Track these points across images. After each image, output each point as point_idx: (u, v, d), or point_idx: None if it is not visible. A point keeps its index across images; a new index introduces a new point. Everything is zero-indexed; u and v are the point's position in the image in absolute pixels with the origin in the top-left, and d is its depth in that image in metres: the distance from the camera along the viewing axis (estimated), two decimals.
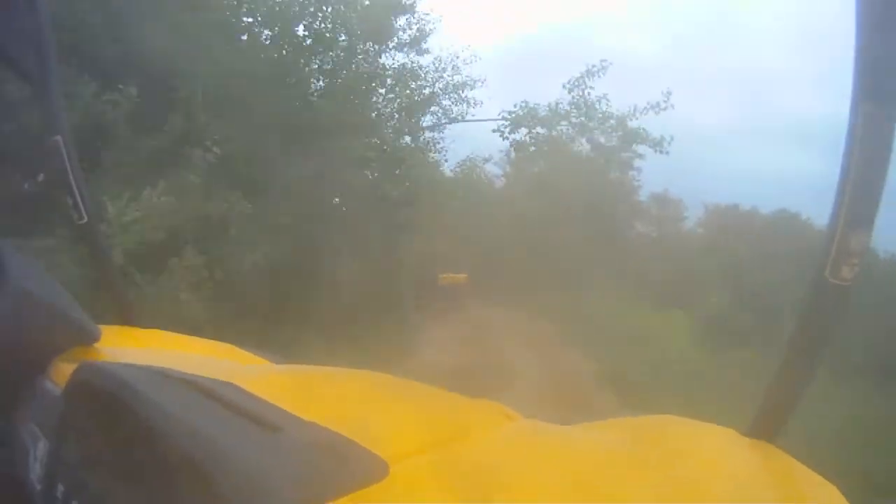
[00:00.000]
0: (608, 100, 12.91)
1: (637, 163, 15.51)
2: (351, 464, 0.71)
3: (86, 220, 1.40)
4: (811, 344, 1.12)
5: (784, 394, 1.19)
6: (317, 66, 10.13)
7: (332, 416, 0.82)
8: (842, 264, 1.05)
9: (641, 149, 13.44)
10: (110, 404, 0.79)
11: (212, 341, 1.50)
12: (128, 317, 1.45)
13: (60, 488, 0.85)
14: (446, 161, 13.65)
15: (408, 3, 11.25)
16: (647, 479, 0.84)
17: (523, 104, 12.90)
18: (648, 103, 12.83)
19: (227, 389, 0.85)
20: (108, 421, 0.81)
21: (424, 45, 11.76)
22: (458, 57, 12.45)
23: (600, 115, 12.93)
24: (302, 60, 9.71)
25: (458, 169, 15.28)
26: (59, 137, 1.40)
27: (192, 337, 1.50)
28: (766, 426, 1.16)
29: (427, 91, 12.20)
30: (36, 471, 0.98)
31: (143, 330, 1.49)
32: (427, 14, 11.61)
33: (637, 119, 12.92)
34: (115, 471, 0.80)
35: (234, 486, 0.60)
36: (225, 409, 0.77)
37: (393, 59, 11.70)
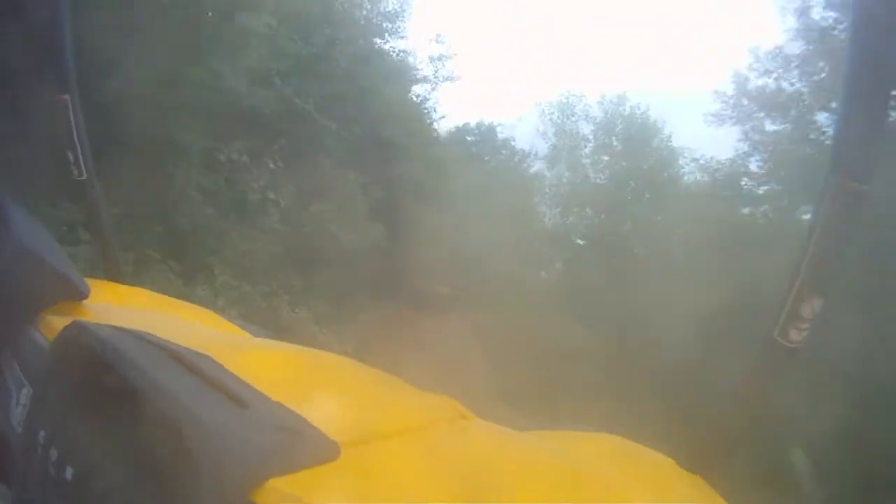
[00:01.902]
0: None
1: None
2: (306, 444, 0.76)
3: (85, 176, 1.44)
4: (754, 399, 1.17)
5: (724, 435, 1.23)
6: None
7: (298, 395, 0.87)
8: (790, 328, 1.09)
9: None
10: (95, 363, 0.85)
11: (193, 305, 1.54)
12: (116, 274, 1.50)
13: (42, 433, 0.89)
14: None
15: None
16: (575, 490, 0.90)
17: None
18: None
19: (205, 362, 0.90)
20: (92, 377, 0.87)
21: None
22: None
23: None
24: None
25: None
26: (67, 96, 1.44)
27: (175, 299, 1.55)
28: (704, 461, 1.20)
29: None
30: (17, 415, 1.03)
31: (129, 288, 1.53)
32: None
33: None
34: (96, 423, 0.85)
35: (205, 449, 0.67)
36: (201, 381, 0.83)
37: None
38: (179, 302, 1.55)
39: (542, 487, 0.88)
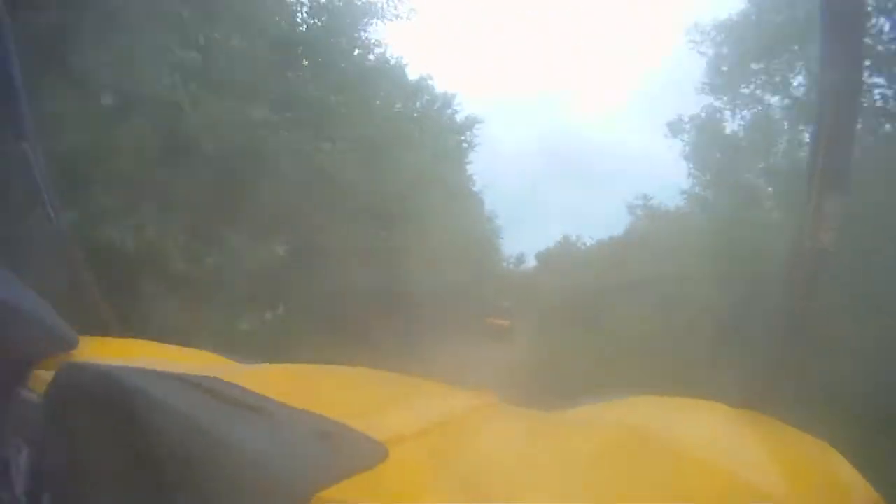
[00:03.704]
0: None
1: None
2: (348, 448, 0.69)
3: (53, 221, 1.36)
4: (798, 312, 1.13)
5: (773, 363, 1.20)
6: None
7: (323, 406, 0.80)
8: (820, 230, 1.07)
9: None
10: (96, 402, 0.76)
11: (194, 349, 1.47)
12: (106, 324, 1.42)
13: (47, 498, 0.81)
14: None
15: None
16: (644, 461, 0.83)
17: None
18: None
19: (212, 382, 0.82)
20: (94, 420, 0.78)
21: None
22: None
23: None
24: None
25: None
26: (26, 144, 1.36)
27: (174, 346, 1.47)
28: (755, 396, 1.17)
29: None
30: (21, 485, 0.93)
31: (122, 340, 1.45)
32: None
33: None
34: (105, 472, 0.76)
35: (238, 477, 0.59)
36: (214, 400, 0.75)
37: None
38: (178, 347, 1.46)
39: (610, 467, 0.80)
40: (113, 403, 0.74)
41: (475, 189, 18.28)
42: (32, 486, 0.86)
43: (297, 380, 1.13)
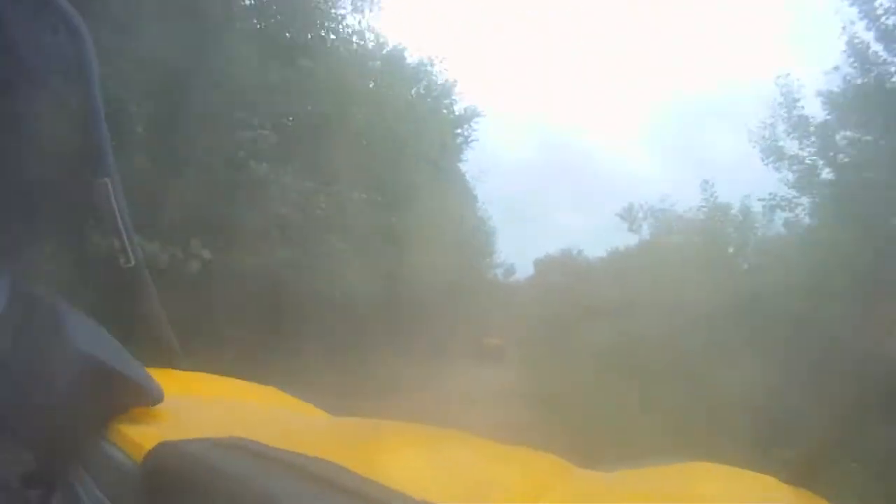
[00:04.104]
0: None
1: None
2: None
3: (133, 263, 1.37)
4: (858, 411, 1.19)
5: (826, 441, 1.25)
6: None
7: (421, 483, 0.82)
8: (888, 335, 1.13)
9: None
10: (191, 488, 0.78)
11: (254, 384, 1.51)
12: (172, 361, 1.44)
13: None
14: None
15: None
16: None
17: None
18: None
19: (317, 465, 0.81)
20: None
21: None
22: None
23: None
24: None
25: None
26: (106, 179, 1.36)
27: (234, 379, 1.51)
28: (808, 472, 1.22)
29: None
30: None
31: (185, 373, 1.48)
32: None
33: None
34: None
35: None
36: (320, 489, 0.74)
37: None
38: (239, 381, 1.51)
39: None
40: (209, 492, 0.75)
41: (469, 186, 17.62)
42: None
43: (385, 447, 1.15)
